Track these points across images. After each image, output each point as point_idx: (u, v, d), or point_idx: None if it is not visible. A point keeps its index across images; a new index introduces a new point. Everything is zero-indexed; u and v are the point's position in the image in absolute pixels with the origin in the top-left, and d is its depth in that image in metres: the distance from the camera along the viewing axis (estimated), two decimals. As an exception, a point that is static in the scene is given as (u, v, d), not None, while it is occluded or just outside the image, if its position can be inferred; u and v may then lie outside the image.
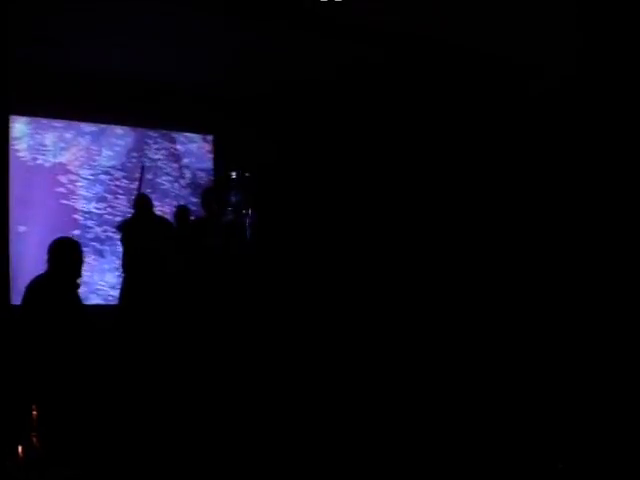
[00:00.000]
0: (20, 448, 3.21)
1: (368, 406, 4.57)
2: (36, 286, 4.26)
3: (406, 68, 5.86)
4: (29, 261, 6.21)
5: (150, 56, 6.50)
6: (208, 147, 8.11)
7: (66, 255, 4.32)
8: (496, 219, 5.54)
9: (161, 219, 6.49)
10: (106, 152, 7.60)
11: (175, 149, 7.90)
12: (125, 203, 7.36)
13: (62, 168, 7.41)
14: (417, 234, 5.88)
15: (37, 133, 7.28)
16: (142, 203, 6.22)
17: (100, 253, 7.34)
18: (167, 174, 7.79)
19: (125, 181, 7.51)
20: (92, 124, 7.53)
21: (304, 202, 6.75)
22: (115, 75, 7.06)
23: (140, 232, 5.95)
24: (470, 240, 5.61)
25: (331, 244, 6.23)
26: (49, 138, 7.33)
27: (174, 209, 6.86)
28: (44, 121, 7.32)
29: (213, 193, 6.53)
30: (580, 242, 5.18)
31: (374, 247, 6.04)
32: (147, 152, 7.70)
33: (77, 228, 7.15)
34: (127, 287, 5.93)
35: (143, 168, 6.00)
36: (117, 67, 6.85)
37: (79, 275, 4.36)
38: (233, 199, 6.27)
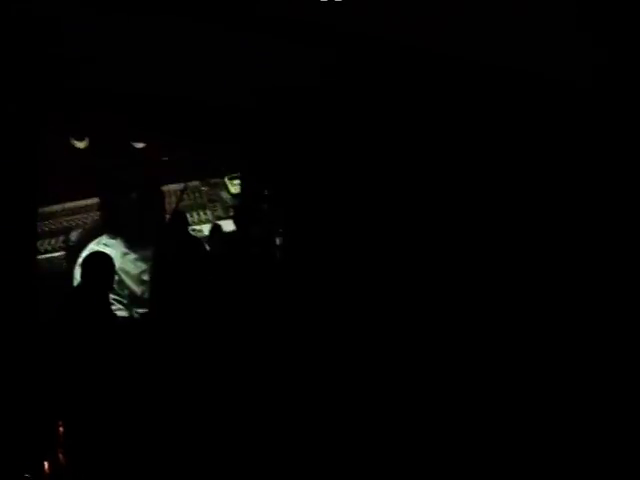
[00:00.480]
0: (46, 464, 3.23)
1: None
2: (69, 300, 4.28)
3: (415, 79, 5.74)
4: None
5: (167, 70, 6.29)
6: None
7: (99, 268, 4.33)
8: (507, 230, 5.49)
9: (194, 238, 6.35)
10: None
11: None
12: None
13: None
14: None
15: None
16: (176, 220, 6.08)
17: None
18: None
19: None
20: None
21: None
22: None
23: (170, 248, 5.87)
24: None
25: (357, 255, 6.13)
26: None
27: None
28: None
29: (243, 209, 6.48)
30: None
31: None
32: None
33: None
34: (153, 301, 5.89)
35: (185, 187, 5.99)
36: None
37: (111, 288, 4.39)
38: (261, 215, 6.20)
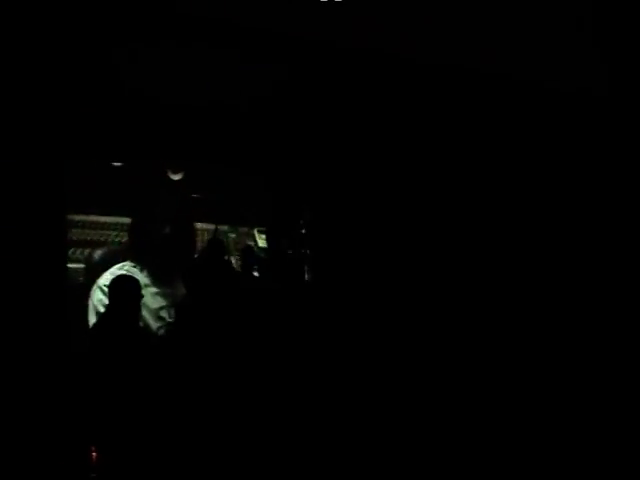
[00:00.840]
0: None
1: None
2: (99, 325, 4.28)
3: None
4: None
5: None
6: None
7: (126, 291, 4.34)
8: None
9: (229, 265, 6.10)
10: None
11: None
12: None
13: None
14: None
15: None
16: (214, 247, 5.86)
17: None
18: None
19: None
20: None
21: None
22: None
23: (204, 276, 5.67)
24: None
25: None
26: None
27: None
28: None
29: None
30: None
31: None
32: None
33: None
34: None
35: (216, 228, 5.94)
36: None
37: (139, 310, 4.39)
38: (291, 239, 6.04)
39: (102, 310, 4.71)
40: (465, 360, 5.09)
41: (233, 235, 6.06)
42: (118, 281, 4.43)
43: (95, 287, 4.96)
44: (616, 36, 5.63)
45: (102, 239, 5.63)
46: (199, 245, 5.64)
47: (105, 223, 5.73)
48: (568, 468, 4.49)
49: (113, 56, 4.87)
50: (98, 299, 4.84)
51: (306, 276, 5.57)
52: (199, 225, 5.86)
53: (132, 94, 5.06)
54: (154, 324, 4.98)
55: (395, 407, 4.68)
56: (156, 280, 5.13)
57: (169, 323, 4.92)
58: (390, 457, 4.40)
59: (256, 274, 5.39)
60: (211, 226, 5.97)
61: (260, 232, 6.01)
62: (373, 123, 5.66)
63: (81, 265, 5.35)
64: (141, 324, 4.90)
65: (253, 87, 5.29)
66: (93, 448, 3.53)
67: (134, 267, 5.14)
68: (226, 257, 5.26)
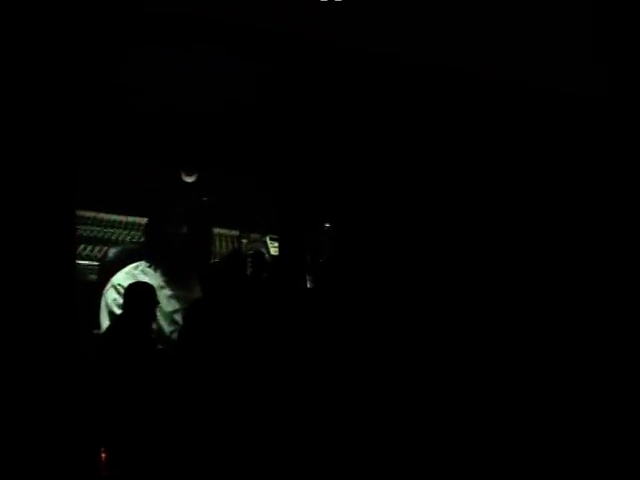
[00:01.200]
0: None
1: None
2: (113, 330, 4.17)
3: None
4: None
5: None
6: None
7: (141, 299, 4.14)
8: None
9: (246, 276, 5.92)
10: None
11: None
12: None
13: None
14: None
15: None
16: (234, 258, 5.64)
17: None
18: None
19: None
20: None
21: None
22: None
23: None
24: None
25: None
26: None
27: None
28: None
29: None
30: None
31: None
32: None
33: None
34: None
35: (240, 234, 5.78)
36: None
37: (154, 318, 4.24)
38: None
39: (116, 309, 4.59)
40: (471, 366, 5.05)
41: (245, 240, 5.85)
42: (134, 288, 4.23)
43: (109, 286, 4.84)
44: (616, 36, 5.65)
45: (114, 237, 5.45)
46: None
47: (116, 221, 5.57)
48: (568, 468, 4.39)
49: (127, 58, 4.82)
50: (112, 298, 4.71)
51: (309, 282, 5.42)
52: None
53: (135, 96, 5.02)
54: (167, 328, 4.85)
55: (404, 411, 4.59)
56: (171, 281, 5.00)
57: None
58: (391, 458, 4.32)
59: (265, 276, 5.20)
60: (225, 230, 5.88)
61: (272, 239, 5.81)
62: (390, 127, 5.61)
63: (92, 262, 5.17)
64: (154, 327, 4.73)
65: (258, 90, 5.23)
66: (103, 450, 3.34)
67: (149, 267, 4.99)
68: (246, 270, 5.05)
